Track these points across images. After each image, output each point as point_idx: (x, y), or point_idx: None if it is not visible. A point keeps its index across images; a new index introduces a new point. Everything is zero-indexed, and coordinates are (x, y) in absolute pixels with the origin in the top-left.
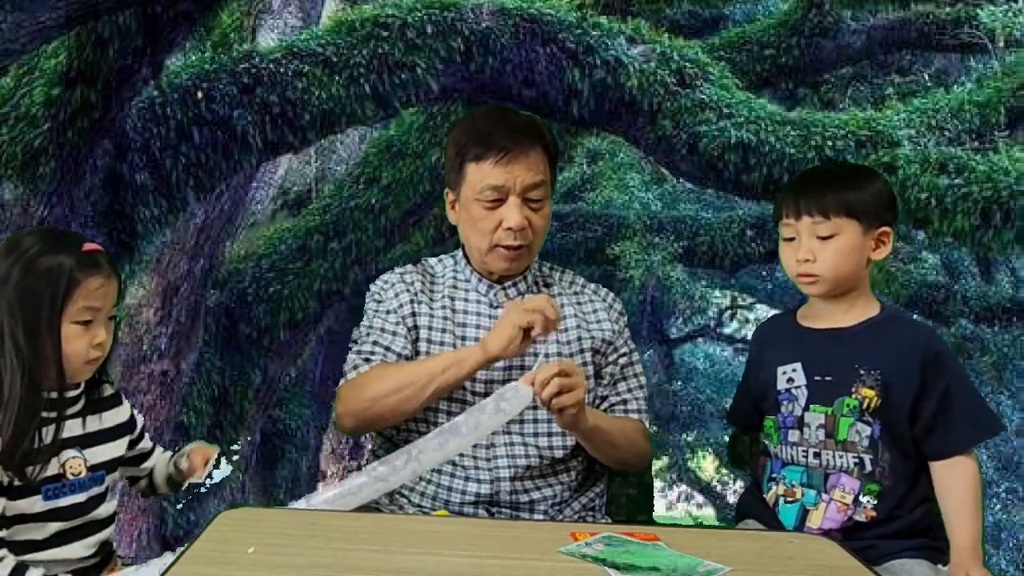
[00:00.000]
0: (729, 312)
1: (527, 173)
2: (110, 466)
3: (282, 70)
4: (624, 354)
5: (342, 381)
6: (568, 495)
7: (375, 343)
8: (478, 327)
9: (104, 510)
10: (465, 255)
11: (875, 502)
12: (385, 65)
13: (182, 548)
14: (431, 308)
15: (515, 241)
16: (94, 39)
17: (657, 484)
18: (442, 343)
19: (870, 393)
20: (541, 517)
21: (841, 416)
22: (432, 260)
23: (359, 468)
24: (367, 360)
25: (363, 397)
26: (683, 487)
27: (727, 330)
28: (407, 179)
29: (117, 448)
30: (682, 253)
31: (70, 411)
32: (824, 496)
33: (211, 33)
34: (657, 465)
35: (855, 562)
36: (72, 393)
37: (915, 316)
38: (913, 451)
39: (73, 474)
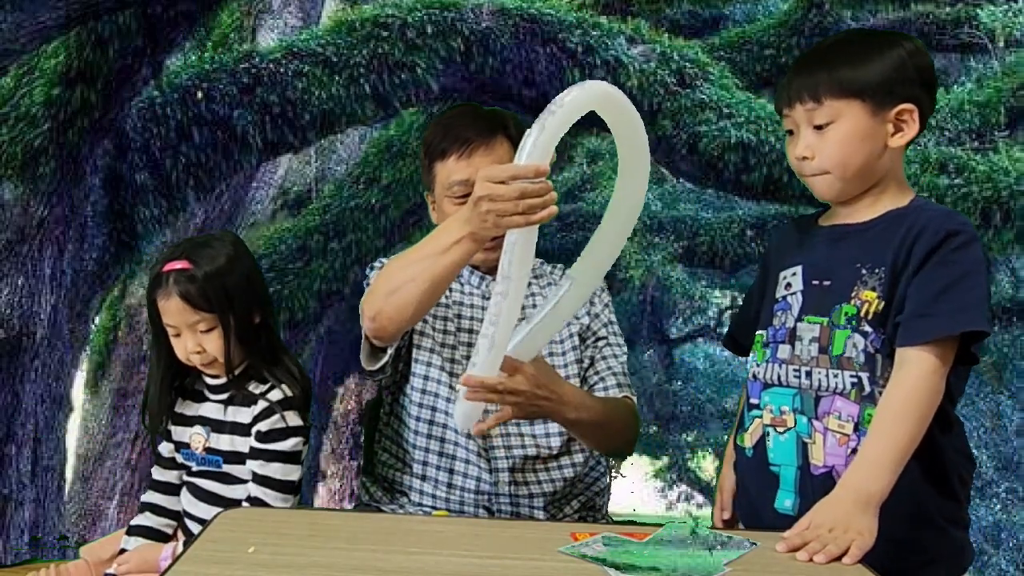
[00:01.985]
0: (729, 312)
1: (490, 164)
2: (229, 456)
3: (282, 70)
4: (602, 337)
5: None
6: (568, 489)
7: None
8: (472, 319)
9: (214, 487)
10: None
11: None
12: (385, 65)
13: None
14: None
15: None
16: (94, 39)
17: (657, 484)
18: (443, 336)
19: (871, 296)
20: (541, 514)
21: (837, 328)
22: None
23: (359, 468)
24: (377, 268)
25: (373, 300)
26: (683, 487)
27: (727, 330)
28: (407, 179)
29: (241, 443)
30: (682, 253)
31: (214, 396)
32: (817, 424)
33: (211, 33)
34: (657, 465)
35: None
36: (216, 381)
37: None
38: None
39: (194, 447)
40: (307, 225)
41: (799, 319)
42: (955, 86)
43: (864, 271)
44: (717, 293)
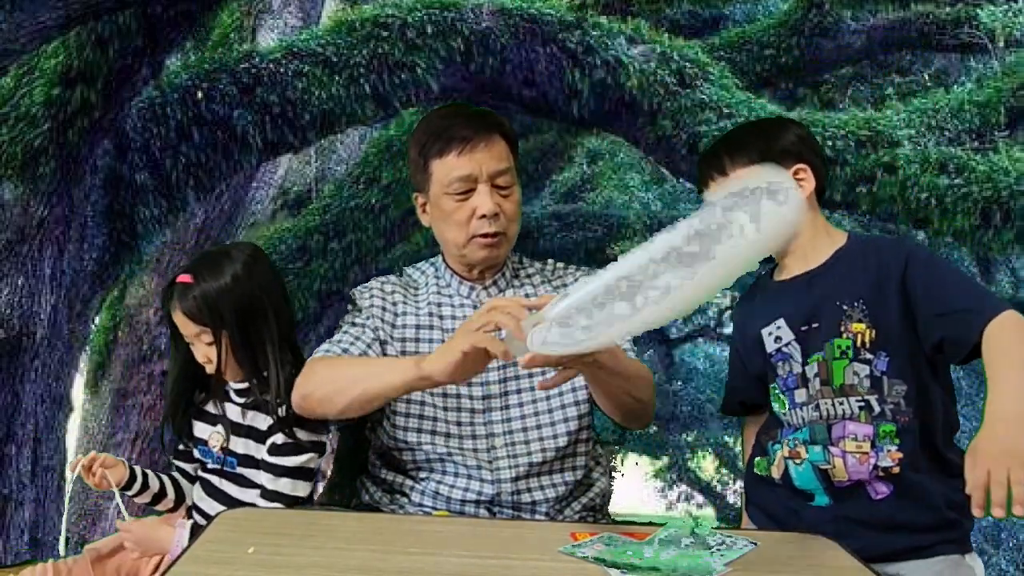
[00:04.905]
0: (729, 312)
1: (491, 160)
2: (243, 459)
3: (282, 70)
4: None
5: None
6: (569, 494)
7: (344, 334)
8: None
9: (226, 487)
10: (444, 260)
11: (898, 442)
12: (385, 65)
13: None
14: (417, 317)
15: (491, 228)
16: (94, 39)
17: (657, 484)
18: (431, 347)
19: (860, 327)
20: (542, 517)
21: (834, 360)
22: (411, 269)
23: (359, 468)
24: (326, 351)
25: (303, 384)
26: (683, 487)
27: (727, 330)
28: (407, 179)
29: (255, 448)
30: None
31: (237, 399)
32: (834, 450)
33: (211, 33)
34: (657, 465)
35: (855, 562)
36: (239, 385)
37: None
38: (930, 372)
39: (211, 446)
40: (307, 225)
41: (804, 363)
42: (955, 86)
43: (845, 307)
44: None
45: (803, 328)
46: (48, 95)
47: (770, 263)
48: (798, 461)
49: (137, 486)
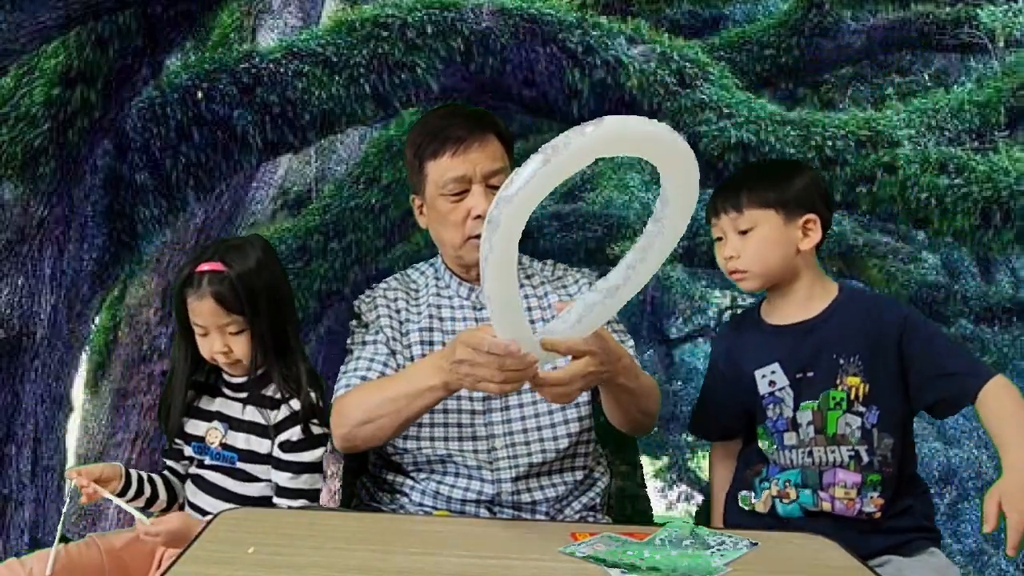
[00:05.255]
0: (729, 312)
1: (486, 160)
2: (244, 455)
3: (282, 70)
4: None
5: (332, 399)
6: (570, 494)
7: (358, 359)
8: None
9: (225, 482)
10: (443, 261)
11: (880, 490)
12: (385, 65)
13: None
14: (418, 318)
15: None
16: (94, 39)
17: (657, 484)
18: (431, 349)
19: (855, 381)
20: (542, 517)
21: (828, 410)
22: (411, 271)
23: (359, 468)
24: (347, 385)
25: (345, 423)
26: (683, 487)
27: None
28: (407, 179)
29: (257, 443)
30: (682, 253)
31: (235, 395)
32: (823, 495)
33: (211, 33)
34: (657, 465)
35: (855, 562)
36: (236, 380)
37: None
38: (910, 430)
39: (209, 442)
40: (307, 225)
41: (796, 408)
42: (955, 86)
43: (842, 360)
44: (717, 293)
45: (798, 375)
46: (48, 95)
47: (758, 297)
48: (787, 500)
49: (131, 493)
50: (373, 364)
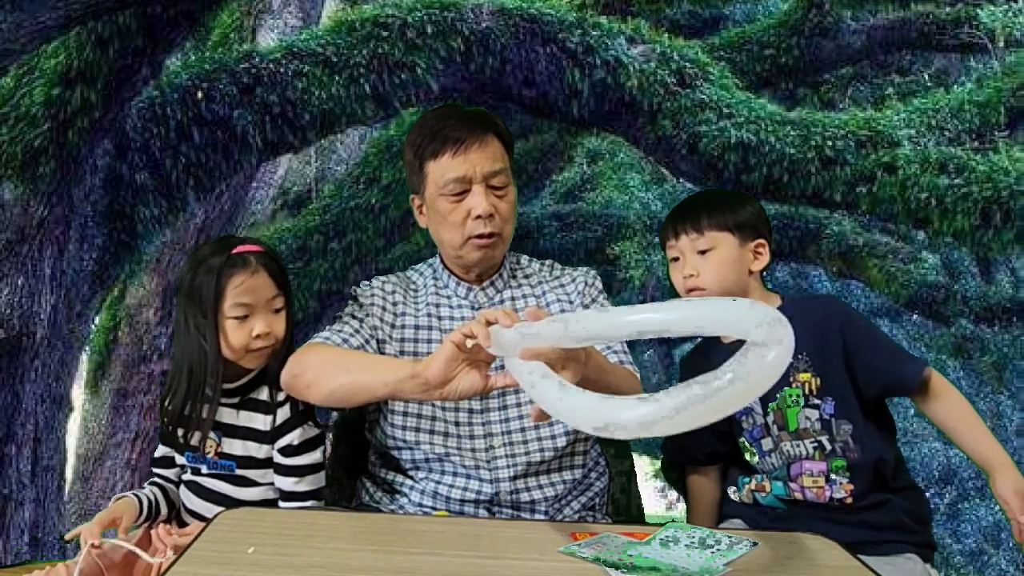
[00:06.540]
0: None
1: (486, 160)
2: (242, 461)
3: (282, 70)
4: None
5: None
6: (568, 493)
7: (337, 330)
8: None
9: (224, 488)
10: (442, 261)
11: (849, 475)
12: (385, 65)
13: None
14: (416, 318)
15: (486, 228)
16: (94, 39)
17: (657, 484)
18: (429, 352)
19: (806, 376)
20: (541, 517)
21: (787, 407)
22: (410, 272)
23: (359, 468)
24: (326, 339)
25: (295, 363)
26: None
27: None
28: (407, 179)
29: (254, 448)
30: None
31: (227, 400)
32: (793, 485)
33: (211, 33)
34: (657, 465)
35: (855, 562)
36: (230, 385)
37: (914, 316)
38: (873, 415)
39: (205, 452)
40: (307, 225)
41: (765, 413)
42: (955, 86)
43: (791, 359)
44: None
45: None
46: (48, 95)
47: None
48: (763, 494)
49: (142, 518)
50: (356, 335)
